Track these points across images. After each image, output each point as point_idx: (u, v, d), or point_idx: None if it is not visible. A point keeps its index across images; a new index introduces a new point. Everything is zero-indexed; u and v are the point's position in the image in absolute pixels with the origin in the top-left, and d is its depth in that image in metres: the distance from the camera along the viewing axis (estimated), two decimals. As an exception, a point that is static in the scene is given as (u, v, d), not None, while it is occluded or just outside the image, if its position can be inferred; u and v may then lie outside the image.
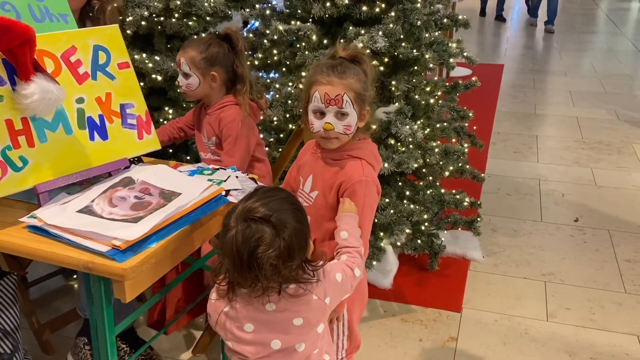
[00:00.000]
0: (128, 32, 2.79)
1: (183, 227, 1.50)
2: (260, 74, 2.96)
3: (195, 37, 2.84)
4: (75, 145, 1.58)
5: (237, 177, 1.77)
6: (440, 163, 2.92)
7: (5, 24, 1.36)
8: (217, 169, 1.82)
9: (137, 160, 1.83)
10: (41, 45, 1.54)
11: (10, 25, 1.36)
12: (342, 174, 1.67)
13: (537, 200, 3.75)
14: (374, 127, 2.61)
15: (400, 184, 2.92)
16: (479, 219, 3.10)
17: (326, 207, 1.70)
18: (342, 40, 2.66)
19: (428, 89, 2.87)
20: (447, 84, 3.06)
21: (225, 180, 1.73)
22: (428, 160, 2.84)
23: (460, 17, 2.96)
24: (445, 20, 2.92)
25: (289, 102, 2.60)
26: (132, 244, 1.38)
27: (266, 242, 1.26)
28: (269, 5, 2.89)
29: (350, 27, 2.64)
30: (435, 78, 3.01)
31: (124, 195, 1.56)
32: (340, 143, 1.66)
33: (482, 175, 3.14)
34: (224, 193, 1.65)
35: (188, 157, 2.96)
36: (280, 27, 2.65)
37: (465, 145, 3.09)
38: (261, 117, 2.39)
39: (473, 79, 3.06)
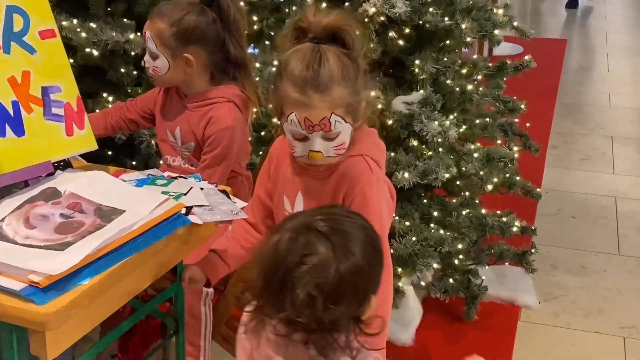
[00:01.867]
0: None
1: (128, 257, 1.50)
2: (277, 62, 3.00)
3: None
4: (-21, 144, 1.57)
5: (202, 188, 1.77)
6: (481, 173, 2.90)
7: None
8: (175, 177, 1.82)
9: (65, 165, 1.82)
10: None
11: None
12: (343, 180, 1.73)
13: (612, 226, 3.76)
14: (390, 122, 2.65)
15: (425, 201, 2.93)
16: (533, 251, 3.10)
17: None
18: (346, 4, 2.71)
19: (464, 71, 2.88)
20: (491, 64, 3.06)
21: (185, 194, 1.72)
22: (464, 169, 2.84)
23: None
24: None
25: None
26: (57, 279, 1.36)
27: (314, 263, 1.27)
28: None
29: (361, -14, 2.66)
30: (475, 57, 3.02)
31: (45, 212, 1.54)
32: (333, 161, 1.72)
33: (538, 190, 3.15)
34: (183, 210, 1.64)
35: (134, 162, 2.96)
36: (266, -14, 2.67)
37: (515, 148, 3.08)
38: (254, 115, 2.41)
39: (526, 58, 3.06)
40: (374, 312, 1.39)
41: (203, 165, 2.22)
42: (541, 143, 4.55)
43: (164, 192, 1.72)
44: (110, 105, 2.77)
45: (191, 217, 1.65)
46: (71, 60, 2.76)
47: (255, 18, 2.89)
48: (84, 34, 2.73)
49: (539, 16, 8.39)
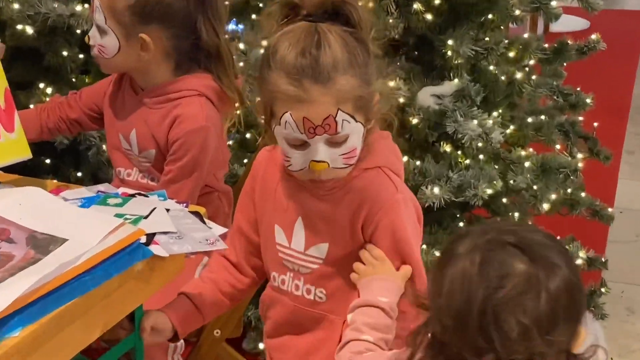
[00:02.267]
0: None
1: (71, 300, 1.49)
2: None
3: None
4: None
5: (167, 210, 1.76)
6: (534, 188, 2.91)
7: None
8: (132, 195, 1.82)
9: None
10: None
11: None
12: (363, 202, 1.73)
13: None
14: (415, 120, 2.66)
15: (462, 224, 2.95)
16: (603, 290, 3.11)
17: (349, 264, 1.77)
18: None
19: (512, 54, 2.89)
20: (547, 45, 3.09)
21: (146, 216, 1.72)
22: (512, 182, 2.85)
23: None
24: None
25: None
26: (-23, 330, 1.34)
27: (515, 285, 1.26)
28: None
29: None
30: (526, 35, 3.03)
31: (-38, 241, 1.53)
32: (343, 174, 1.73)
33: (610, 210, 3.15)
34: (144, 239, 1.63)
35: (79, 174, 2.96)
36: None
37: (580, 156, 3.10)
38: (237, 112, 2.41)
39: (593, 36, 3.10)
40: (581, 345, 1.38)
41: (167, 179, 2.22)
42: (614, 149, 4.54)
43: (117, 215, 1.71)
44: (47, 100, 2.78)
45: (153, 248, 1.63)
46: None
47: None
48: (16, 5, 2.72)
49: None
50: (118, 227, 1.62)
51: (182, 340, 2.21)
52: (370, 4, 2.63)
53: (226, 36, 2.31)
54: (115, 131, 2.33)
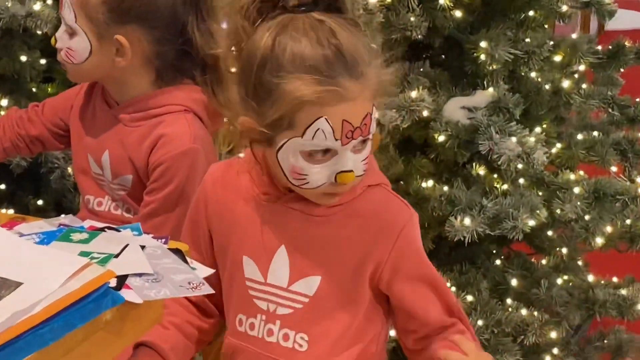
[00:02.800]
0: None
1: (25, 357, 1.44)
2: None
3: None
4: None
5: (143, 247, 1.73)
6: (586, 218, 2.91)
7: None
8: (101, 229, 1.78)
9: None
10: None
11: None
12: (372, 224, 1.74)
13: None
14: (441, 137, 2.67)
15: (498, 262, 2.96)
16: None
17: (345, 302, 1.78)
18: None
19: (558, 58, 2.90)
20: (600, 48, 3.10)
21: (117, 255, 1.67)
22: (559, 211, 2.83)
23: None
24: None
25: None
26: None
27: None
28: None
29: None
30: (574, 35, 3.03)
31: None
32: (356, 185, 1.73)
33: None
34: (113, 282, 1.58)
35: (40, 202, 2.97)
36: None
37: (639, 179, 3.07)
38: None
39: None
40: None
41: (146, 212, 2.18)
42: None
43: (83, 253, 1.66)
44: (1, 114, 2.77)
45: (125, 293, 1.57)
46: None
47: None
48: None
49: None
50: (83, 268, 1.57)
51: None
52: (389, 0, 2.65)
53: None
54: (83, 152, 2.29)
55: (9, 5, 2.73)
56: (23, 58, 2.84)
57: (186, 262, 1.76)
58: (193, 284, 1.69)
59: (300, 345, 1.77)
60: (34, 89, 2.95)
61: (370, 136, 1.64)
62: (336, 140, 1.58)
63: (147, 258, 1.71)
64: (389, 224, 1.71)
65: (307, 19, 1.61)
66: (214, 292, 1.74)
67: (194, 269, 1.74)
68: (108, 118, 2.26)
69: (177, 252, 1.78)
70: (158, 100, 2.20)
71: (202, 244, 1.88)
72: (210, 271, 1.76)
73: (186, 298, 1.87)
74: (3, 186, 3.00)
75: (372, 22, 2.43)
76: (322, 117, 1.57)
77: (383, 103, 1.70)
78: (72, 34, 2.15)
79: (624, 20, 6.41)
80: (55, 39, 2.19)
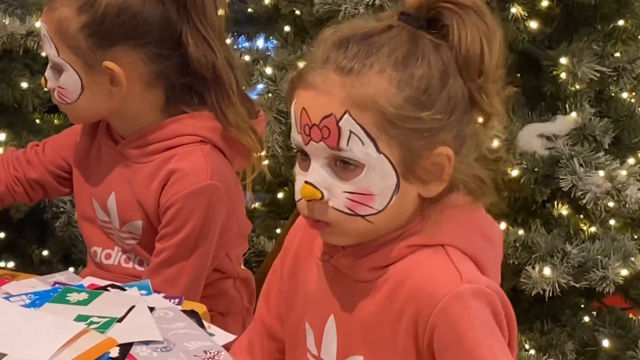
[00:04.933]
0: None
1: None
2: (247, 44, 3.01)
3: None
4: None
5: (152, 309, 1.54)
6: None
7: None
8: (104, 288, 1.62)
9: None
10: None
11: None
12: (408, 297, 1.44)
13: None
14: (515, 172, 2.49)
15: (587, 318, 2.72)
16: None
17: None
18: None
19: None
20: None
21: (121, 319, 1.48)
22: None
23: None
24: None
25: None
26: None
27: None
28: None
29: None
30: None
31: None
32: (349, 236, 1.46)
33: None
34: (115, 352, 1.38)
35: (46, 253, 2.80)
36: None
37: None
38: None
39: None
40: None
41: (159, 261, 1.90)
42: None
43: (80, 317, 1.48)
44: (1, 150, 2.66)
45: None
46: None
47: None
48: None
49: None
50: (79, 336, 1.39)
51: None
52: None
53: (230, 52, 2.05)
54: (88, 197, 2.04)
55: (7, 23, 2.55)
56: (24, 85, 2.69)
57: (202, 326, 1.56)
58: (210, 354, 1.47)
59: None
60: (37, 121, 2.87)
61: (355, 155, 1.35)
62: (298, 133, 1.43)
63: (157, 322, 1.53)
64: (425, 297, 1.39)
65: (389, 24, 1.44)
66: None
67: (212, 334, 1.55)
68: (114, 156, 2.01)
69: (192, 314, 1.60)
70: (168, 131, 1.96)
71: (277, 300, 1.64)
72: (230, 337, 1.56)
73: None
74: (2, 234, 2.76)
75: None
76: (294, 99, 1.45)
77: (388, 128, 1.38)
78: (59, 70, 1.92)
79: None
80: (45, 79, 1.97)
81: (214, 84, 1.93)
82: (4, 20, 2.54)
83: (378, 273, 1.44)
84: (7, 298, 1.58)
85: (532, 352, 2.51)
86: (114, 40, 1.88)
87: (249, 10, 2.77)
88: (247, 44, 2.97)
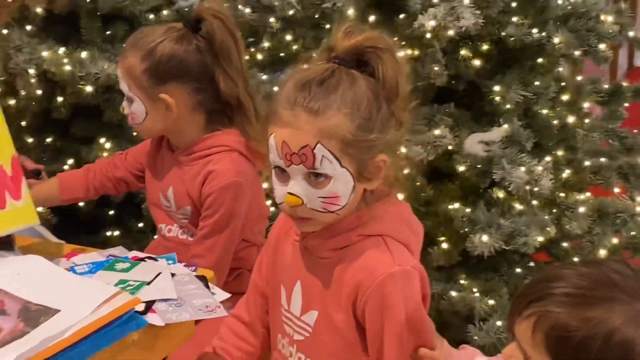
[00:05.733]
0: (38, 10, 2.86)
1: (53, 377, 1.36)
2: (265, 77, 2.93)
3: (151, 22, 2.87)
4: None
5: (173, 275, 1.66)
6: (593, 233, 2.78)
7: None
8: (142, 259, 1.72)
9: (7, 245, 1.71)
10: None
11: None
12: (354, 271, 1.58)
13: None
14: (462, 168, 2.56)
15: (519, 270, 2.80)
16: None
17: (339, 340, 1.64)
18: (402, 16, 2.64)
19: (565, 97, 2.77)
20: (607, 87, 2.99)
21: (150, 282, 1.61)
22: (568, 227, 2.69)
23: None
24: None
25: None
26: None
27: None
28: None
29: (415, -7, 2.59)
30: (579, 78, 2.92)
31: (-46, 314, 1.43)
32: (321, 225, 1.60)
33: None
34: (141, 307, 1.51)
35: (141, 225, 2.93)
36: (292, -3, 2.60)
37: (639, 199, 2.90)
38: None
39: (649, 78, 2.90)
40: None
41: (201, 235, 2.15)
42: None
43: (122, 281, 1.61)
44: (105, 155, 2.80)
45: (150, 317, 1.51)
46: (60, 99, 2.87)
47: (288, 37, 2.86)
48: (68, 67, 2.72)
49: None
50: (113, 296, 1.50)
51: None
52: (415, 52, 2.55)
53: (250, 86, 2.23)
54: (155, 189, 2.28)
55: (106, 67, 2.72)
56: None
57: (208, 287, 1.68)
58: (210, 308, 1.61)
59: None
60: (133, 134, 2.91)
61: (328, 171, 1.52)
62: (280, 159, 1.53)
63: (175, 284, 1.65)
64: (366, 277, 1.56)
65: (327, 67, 1.55)
66: (227, 314, 1.66)
67: (213, 293, 1.66)
68: (171, 161, 2.24)
69: (202, 278, 1.71)
70: (207, 143, 2.16)
71: (264, 271, 1.79)
72: (226, 295, 1.68)
73: (239, 319, 1.82)
74: (111, 212, 2.98)
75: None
76: (272, 133, 1.54)
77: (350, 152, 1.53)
78: (130, 101, 2.14)
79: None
80: (123, 108, 2.20)
81: (238, 109, 2.16)
82: (104, 64, 2.70)
83: (335, 253, 1.60)
84: (72, 267, 1.68)
85: (477, 295, 2.57)
86: (167, 79, 2.10)
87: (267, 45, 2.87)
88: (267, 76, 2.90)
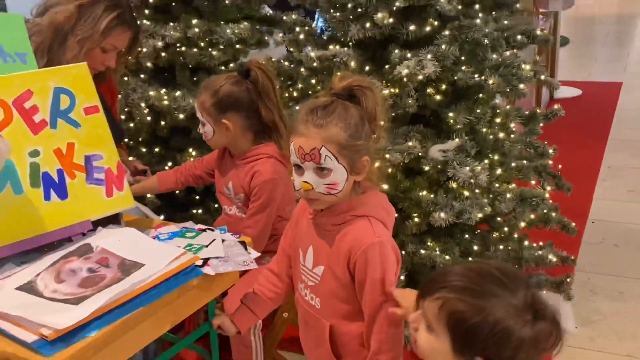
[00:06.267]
0: (148, 64, 2.81)
1: (138, 308, 1.37)
2: (297, 107, 2.86)
3: (222, 72, 2.84)
4: (26, 207, 1.51)
5: (223, 240, 1.65)
6: (516, 211, 2.67)
7: None
8: (204, 229, 1.71)
9: (113, 220, 1.72)
10: (-12, 91, 1.49)
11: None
12: (348, 240, 1.54)
13: (653, 254, 3.38)
14: (427, 167, 2.49)
15: (467, 236, 2.71)
16: (568, 280, 2.80)
17: (337, 285, 1.59)
18: (387, 66, 2.54)
19: (498, 120, 2.67)
20: (527, 112, 2.85)
21: (207, 245, 1.61)
22: (499, 207, 2.58)
23: (539, 32, 2.73)
24: (519, 37, 2.70)
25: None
26: (64, 333, 1.25)
27: None
28: (307, 28, 2.77)
29: (396, 51, 2.50)
30: (508, 107, 2.79)
31: (75, 267, 1.46)
32: (325, 204, 1.56)
33: (573, 225, 2.84)
34: (199, 262, 1.52)
35: (216, 205, 2.88)
36: (312, 54, 2.53)
37: (548, 188, 2.82)
38: None
39: (555, 107, 2.82)
40: None
41: (250, 213, 2.14)
42: (592, 177, 4.29)
43: (189, 245, 1.61)
44: (191, 159, 2.75)
45: (205, 269, 1.53)
46: (162, 123, 2.83)
47: (313, 81, 2.75)
48: (166, 102, 2.70)
49: (601, 61, 7.87)
50: (180, 255, 1.53)
51: (260, 321, 2.08)
52: (396, 90, 2.48)
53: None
54: (220, 183, 2.26)
55: (191, 102, 2.66)
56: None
57: (246, 249, 1.67)
58: (246, 263, 1.61)
59: (317, 305, 1.63)
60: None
61: (330, 166, 1.48)
62: (297, 157, 1.50)
63: (224, 247, 1.64)
64: (354, 245, 1.52)
65: (329, 98, 1.54)
66: (257, 267, 1.64)
67: (249, 253, 1.65)
68: (231, 164, 2.22)
69: (242, 243, 1.69)
70: (253, 152, 2.15)
71: (289, 239, 1.73)
72: (257, 254, 1.66)
73: (271, 270, 1.77)
74: (197, 197, 2.94)
75: (385, 104, 2.20)
76: (293, 141, 1.51)
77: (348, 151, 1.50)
78: (203, 124, 2.14)
79: (564, 91, 6.08)
80: (199, 129, 2.18)
81: (274, 130, 2.14)
82: (190, 100, 2.65)
83: (335, 227, 1.56)
84: (157, 235, 1.70)
85: (438, 252, 2.51)
86: (227, 110, 2.07)
87: (300, 86, 2.79)
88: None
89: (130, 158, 2.59)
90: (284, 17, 2.84)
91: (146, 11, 2.83)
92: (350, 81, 1.52)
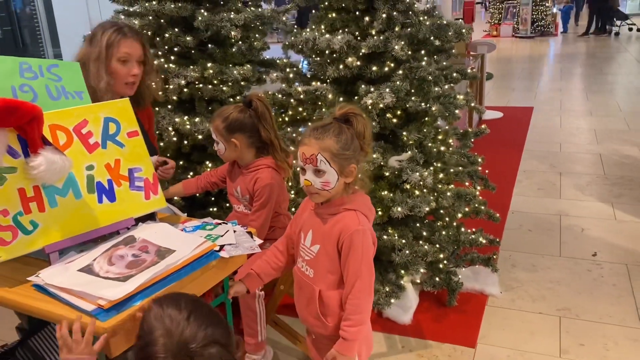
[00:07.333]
0: (174, 97, 2.79)
1: (170, 284, 1.38)
2: (289, 129, 2.86)
3: (230, 102, 2.82)
4: (84, 208, 1.50)
5: (234, 231, 1.64)
6: (455, 205, 2.69)
7: (13, 105, 1.31)
8: (220, 223, 1.70)
9: (151, 217, 1.72)
10: (54, 120, 1.49)
11: (18, 105, 1.32)
12: (339, 226, 1.54)
13: (557, 236, 3.41)
14: (387, 174, 2.49)
15: (418, 224, 2.73)
16: (494, 256, 2.85)
17: (328, 259, 1.59)
18: (355, 97, 2.57)
19: (440, 137, 2.69)
20: (462, 131, 2.88)
21: (222, 235, 1.61)
22: (442, 203, 2.61)
23: (470, 70, 2.80)
24: (455, 74, 2.74)
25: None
26: (116, 303, 1.26)
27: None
28: (295, 69, 2.81)
29: (362, 86, 2.53)
30: (447, 127, 2.79)
31: (123, 253, 1.45)
32: (322, 198, 1.55)
33: (497, 215, 2.86)
34: (217, 248, 1.52)
35: (228, 205, 2.86)
36: (300, 89, 2.56)
37: (478, 187, 2.85)
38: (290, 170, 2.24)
39: (483, 126, 2.90)
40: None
41: (253, 210, 2.11)
42: (511, 179, 4.34)
43: (208, 235, 1.60)
44: (208, 170, 2.69)
45: (221, 253, 1.53)
46: (185, 142, 2.79)
47: (300, 109, 2.76)
48: (188, 126, 2.69)
49: (517, 91, 7.96)
50: (202, 243, 1.53)
51: (263, 292, 2.12)
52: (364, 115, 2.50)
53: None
54: (231, 187, 2.21)
55: (207, 126, 2.65)
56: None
57: (252, 237, 1.65)
58: (252, 248, 1.59)
59: (311, 275, 1.63)
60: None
61: (324, 168, 1.47)
62: (301, 161, 1.50)
63: (235, 236, 1.62)
64: (343, 230, 1.53)
65: (330, 121, 1.53)
66: (261, 251, 1.61)
67: (254, 240, 1.63)
68: (239, 172, 2.17)
69: (249, 233, 1.68)
70: (255, 164, 2.11)
71: (295, 225, 1.70)
72: (260, 241, 1.63)
73: (277, 248, 1.75)
74: (212, 198, 2.92)
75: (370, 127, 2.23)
76: (299, 149, 1.51)
77: (341, 159, 1.50)
78: (217, 143, 2.10)
79: (490, 114, 6.14)
80: (214, 146, 2.13)
81: (271, 146, 2.09)
82: (207, 124, 2.62)
83: (330, 217, 1.55)
84: (184, 228, 1.66)
85: (396, 237, 2.50)
86: (234, 131, 2.03)
87: (291, 113, 2.74)
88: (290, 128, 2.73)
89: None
90: (277, 61, 2.88)
91: (172, 57, 2.84)
92: (347, 109, 1.53)
